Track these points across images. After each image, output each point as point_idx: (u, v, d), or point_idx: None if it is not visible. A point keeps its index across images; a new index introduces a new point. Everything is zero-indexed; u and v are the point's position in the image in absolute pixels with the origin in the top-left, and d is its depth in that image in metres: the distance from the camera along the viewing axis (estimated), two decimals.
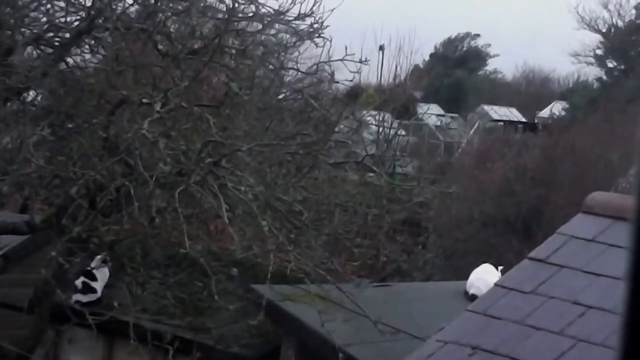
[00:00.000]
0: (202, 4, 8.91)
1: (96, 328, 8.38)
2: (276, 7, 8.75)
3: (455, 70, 58.31)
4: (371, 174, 9.39)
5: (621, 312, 1.59)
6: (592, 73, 56.53)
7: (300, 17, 8.75)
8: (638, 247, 1.57)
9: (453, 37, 64.06)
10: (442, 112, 46.86)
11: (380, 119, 21.01)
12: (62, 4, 8.61)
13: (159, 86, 8.32)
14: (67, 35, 8.71)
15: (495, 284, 6.33)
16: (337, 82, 9.22)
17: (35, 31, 8.68)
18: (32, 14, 8.74)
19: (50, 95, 8.88)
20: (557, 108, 48.58)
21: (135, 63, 8.52)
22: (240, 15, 8.73)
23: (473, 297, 9.21)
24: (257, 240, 8.49)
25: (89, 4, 8.50)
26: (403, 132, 26.82)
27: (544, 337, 5.64)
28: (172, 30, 8.76)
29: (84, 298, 10.15)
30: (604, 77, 54.86)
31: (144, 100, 8.17)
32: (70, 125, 8.48)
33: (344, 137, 9.38)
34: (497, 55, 64.15)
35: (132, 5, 8.74)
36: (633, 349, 1.58)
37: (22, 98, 8.87)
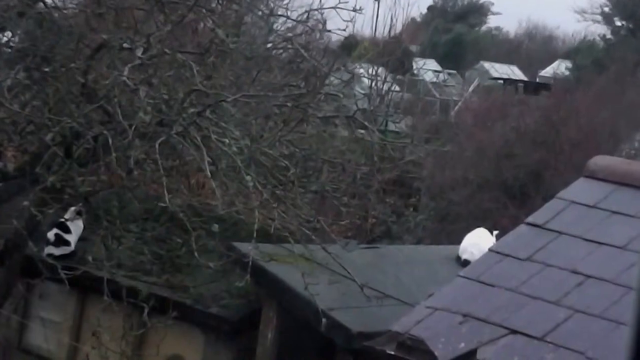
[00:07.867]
0: None
1: (68, 283, 8.22)
2: None
3: (455, 25, 57.99)
4: (362, 130, 9.23)
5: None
6: (599, 32, 55.93)
7: None
8: None
9: None
10: (439, 68, 46.43)
11: (374, 72, 20.75)
12: None
13: (141, 31, 8.10)
14: None
15: (490, 250, 6.24)
16: (329, 31, 9.07)
17: None
18: None
19: (27, 36, 8.65)
20: (560, 67, 48.24)
21: (117, 5, 8.29)
22: None
23: (465, 263, 9.15)
24: (241, 196, 8.31)
25: None
26: (397, 88, 26.59)
27: (539, 306, 5.55)
28: None
29: (57, 251, 9.99)
30: (611, 36, 54.11)
31: (125, 45, 7.99)
32: (46, 69, 8.25)
33: (334, 90, 9.20)
34: (500, 13, 63.90)
35: None
36: None
37: None
